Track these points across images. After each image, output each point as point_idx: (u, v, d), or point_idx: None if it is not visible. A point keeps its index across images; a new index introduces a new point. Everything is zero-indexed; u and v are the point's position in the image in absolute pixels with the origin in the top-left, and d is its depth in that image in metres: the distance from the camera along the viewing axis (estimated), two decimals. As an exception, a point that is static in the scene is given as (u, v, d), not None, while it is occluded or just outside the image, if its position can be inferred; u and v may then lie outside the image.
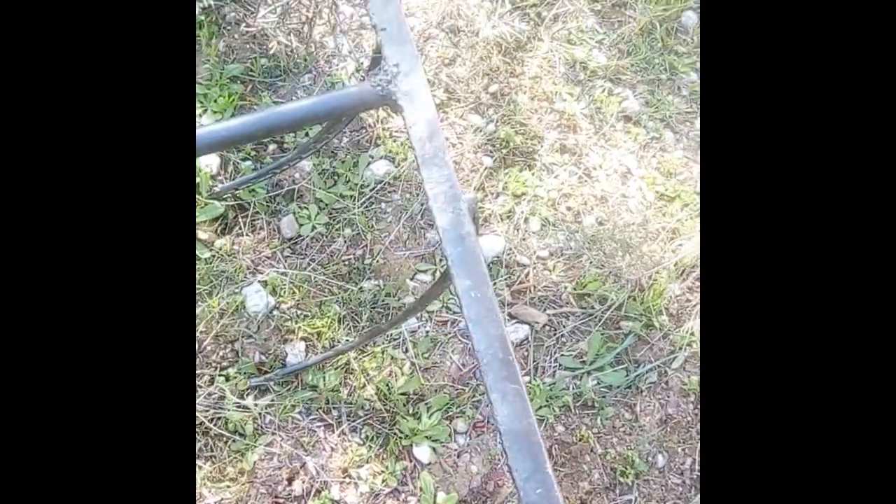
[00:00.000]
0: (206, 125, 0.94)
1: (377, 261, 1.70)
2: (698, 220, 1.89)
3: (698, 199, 1.93)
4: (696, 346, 1.72)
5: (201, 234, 1.63)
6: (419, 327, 1.65)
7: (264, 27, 1.72)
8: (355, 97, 1.03)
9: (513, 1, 2.12)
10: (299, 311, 1.61)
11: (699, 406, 1.66)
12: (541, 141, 1.94)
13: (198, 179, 1.67)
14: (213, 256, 1.62)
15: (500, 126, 1.93)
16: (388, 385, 1.57)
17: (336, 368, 1.57)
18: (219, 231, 1.66)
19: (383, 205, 1.79)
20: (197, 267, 1.60)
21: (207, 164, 1.70)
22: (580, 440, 1.59)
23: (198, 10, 1.82)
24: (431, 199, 0.94)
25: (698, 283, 1.80)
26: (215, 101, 1.77)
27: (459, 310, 0.87)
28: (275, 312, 1.61)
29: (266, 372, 1.55)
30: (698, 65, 2.17)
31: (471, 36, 2.04)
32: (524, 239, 1.81)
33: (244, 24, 1.88)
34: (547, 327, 1.70)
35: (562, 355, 1.67)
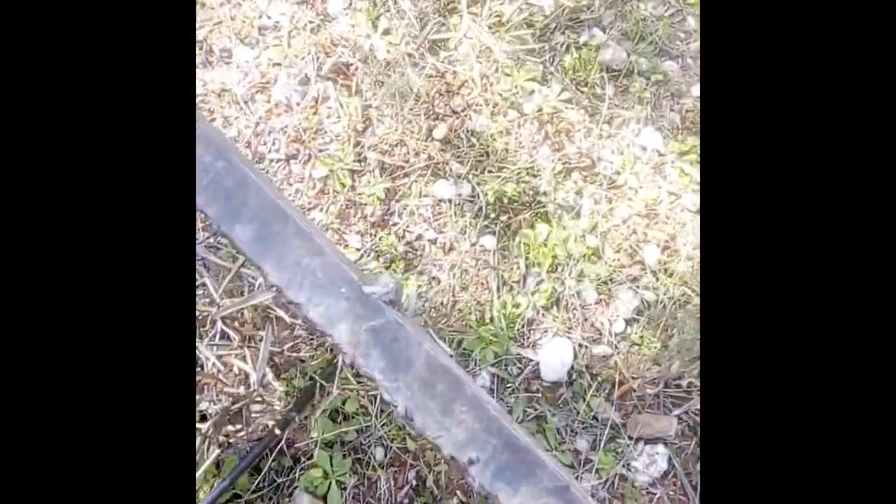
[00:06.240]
0: None
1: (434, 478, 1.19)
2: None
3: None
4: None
5: None
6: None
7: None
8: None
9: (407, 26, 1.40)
10: None
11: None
12: (536, 171, 1.36)
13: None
14: None
15: (478, 179, 1.33)
16: None
17: None
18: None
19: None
20: None
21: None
22: None
23: None
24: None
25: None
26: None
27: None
28: None
29: None
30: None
31: (376, 80, 1.35)
32: (587, 320, 1.31)
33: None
34: (683, 431, 1.26)
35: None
